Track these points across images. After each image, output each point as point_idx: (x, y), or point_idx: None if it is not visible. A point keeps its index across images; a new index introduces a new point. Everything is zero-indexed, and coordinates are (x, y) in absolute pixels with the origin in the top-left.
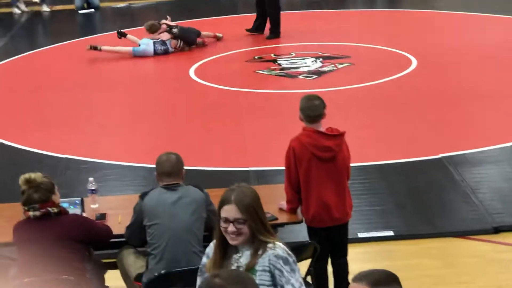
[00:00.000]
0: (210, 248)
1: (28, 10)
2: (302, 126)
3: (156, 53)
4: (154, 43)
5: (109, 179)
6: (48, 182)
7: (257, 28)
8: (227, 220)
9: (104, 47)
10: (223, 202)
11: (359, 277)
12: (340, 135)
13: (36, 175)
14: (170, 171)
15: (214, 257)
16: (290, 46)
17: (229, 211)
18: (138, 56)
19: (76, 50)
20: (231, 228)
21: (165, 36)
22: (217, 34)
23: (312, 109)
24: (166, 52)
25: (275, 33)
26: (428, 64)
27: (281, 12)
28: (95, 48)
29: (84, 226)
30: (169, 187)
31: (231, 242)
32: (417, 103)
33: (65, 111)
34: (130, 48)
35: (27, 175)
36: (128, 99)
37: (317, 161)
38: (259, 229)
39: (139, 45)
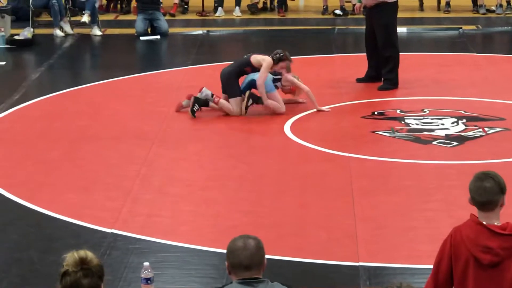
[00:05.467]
0: None
1: (74, 33)
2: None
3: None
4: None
5: (168, 266)
6: (101, 267)
7: (370, 78)
8: None
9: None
10: None
11: None
12: None
13: (91, 255)
14: (248, 263)
15: None
16: (423, 100)
17: None
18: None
19: (133, 89)
20: None
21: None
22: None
23: (480, 193)
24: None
25: (392, 82)
26: None
27: (405, 53)
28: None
29: None
30: (248, 283)
31: None
32: None
33: (113, 169)
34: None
35: (82, 253)
36: (201, 159)
37: (476, 265)
38: None
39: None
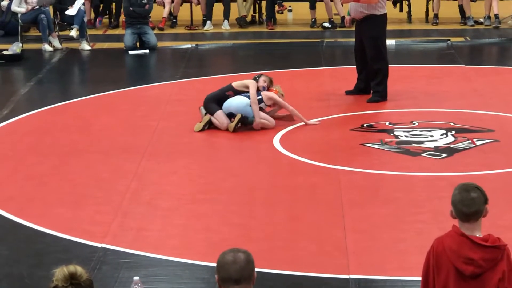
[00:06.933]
0: None
1: (63, 47)
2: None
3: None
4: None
5: (158, 280)
6: (91, 281)
7: (359, 91)
8: None
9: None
10: None
11: None
12: (497, 247)
13: (80, 270)
14: (238, 277)
15: None
16: (412, 112)
17: None
18: None
19: (122, 103)
20: None
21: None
22: None
23: (466, 204)
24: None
25: (381, 94)
26: None
27: (394, 66)
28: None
29: None
30: None
31: None
32: None
33: (103, 183)
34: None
35: (71, 268)
36: (190, 173)
37: (457, 276)
38: None
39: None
